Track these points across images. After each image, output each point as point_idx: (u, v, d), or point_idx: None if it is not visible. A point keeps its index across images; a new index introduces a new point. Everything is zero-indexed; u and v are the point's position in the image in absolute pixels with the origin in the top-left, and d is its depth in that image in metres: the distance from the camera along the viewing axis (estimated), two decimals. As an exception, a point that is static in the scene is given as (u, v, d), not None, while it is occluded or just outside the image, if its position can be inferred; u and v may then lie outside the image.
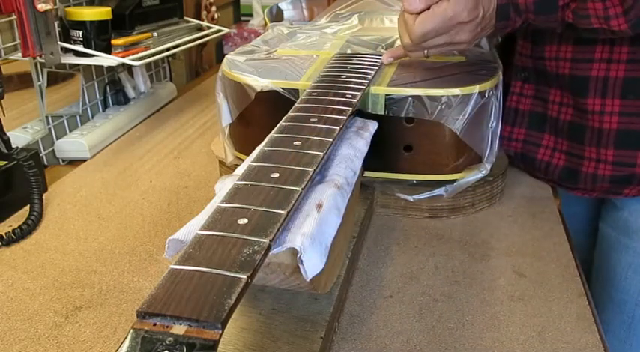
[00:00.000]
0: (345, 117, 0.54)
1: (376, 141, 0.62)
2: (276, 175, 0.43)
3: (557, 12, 0.65)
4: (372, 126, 0.63)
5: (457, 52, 0.76)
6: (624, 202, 0.80)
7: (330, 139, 0.49)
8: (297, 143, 0.48)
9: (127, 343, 0.28)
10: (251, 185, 0.41)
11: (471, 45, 0.69)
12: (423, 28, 0.64)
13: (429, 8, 0.64)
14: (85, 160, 0.95)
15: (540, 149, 0.81)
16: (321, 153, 0.47)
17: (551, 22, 0.67)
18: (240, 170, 0.46)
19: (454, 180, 0.71)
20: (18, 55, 0.87)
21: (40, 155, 0.91)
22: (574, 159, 0.77)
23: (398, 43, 0.73)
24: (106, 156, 0.97)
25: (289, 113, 0.55)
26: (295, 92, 0.67)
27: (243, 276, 0.31)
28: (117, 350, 0.28)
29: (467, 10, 0.63)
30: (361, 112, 0.67)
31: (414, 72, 0.71)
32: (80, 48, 0.93)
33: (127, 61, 0.96)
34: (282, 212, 0.38)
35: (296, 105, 0.58)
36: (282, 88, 0.68)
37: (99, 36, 0.94)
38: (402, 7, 0.66)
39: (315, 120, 0.53)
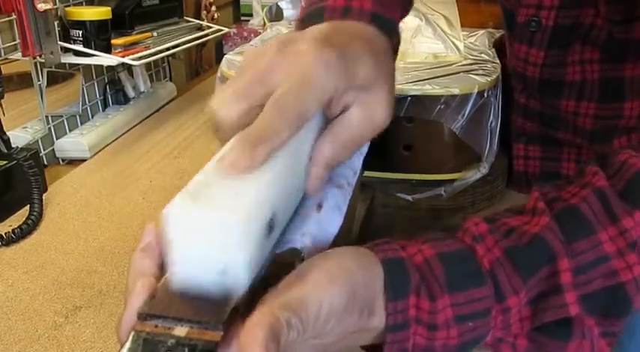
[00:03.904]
0: None
1: (376, 140, 0.62)
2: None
3: None
4: (372, 125, 0.63)
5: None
6: None
7: None
8: None
9: (128, 345, 0.28)
10: None
11: None
12: None
13: None
14: (84, 160, 0.95)
15: None
16: None
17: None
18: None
19: (454, 180, 0.71)
20: (18, 55, 0.87)
21: (40, 155, 0.91)
22: None
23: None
24: (106, 156, 0.97)
25: None
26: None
27: (245, 277, 0.31)
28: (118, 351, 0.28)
29: None
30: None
31: (414, 72, 0.71)
32: (80, 47, 0.93)
33: (126, 60, 0.96)
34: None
35: None
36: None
37: (99, 35, 0.94)
38: None
39: None
